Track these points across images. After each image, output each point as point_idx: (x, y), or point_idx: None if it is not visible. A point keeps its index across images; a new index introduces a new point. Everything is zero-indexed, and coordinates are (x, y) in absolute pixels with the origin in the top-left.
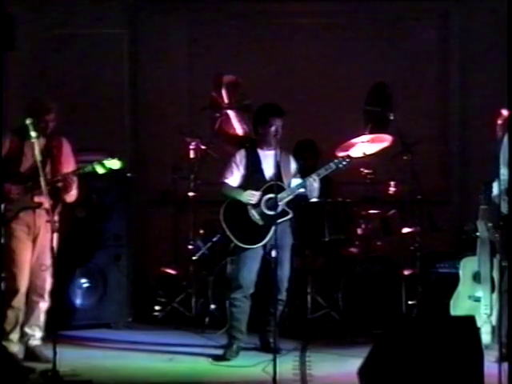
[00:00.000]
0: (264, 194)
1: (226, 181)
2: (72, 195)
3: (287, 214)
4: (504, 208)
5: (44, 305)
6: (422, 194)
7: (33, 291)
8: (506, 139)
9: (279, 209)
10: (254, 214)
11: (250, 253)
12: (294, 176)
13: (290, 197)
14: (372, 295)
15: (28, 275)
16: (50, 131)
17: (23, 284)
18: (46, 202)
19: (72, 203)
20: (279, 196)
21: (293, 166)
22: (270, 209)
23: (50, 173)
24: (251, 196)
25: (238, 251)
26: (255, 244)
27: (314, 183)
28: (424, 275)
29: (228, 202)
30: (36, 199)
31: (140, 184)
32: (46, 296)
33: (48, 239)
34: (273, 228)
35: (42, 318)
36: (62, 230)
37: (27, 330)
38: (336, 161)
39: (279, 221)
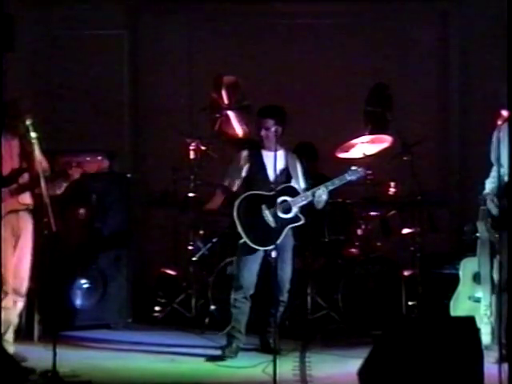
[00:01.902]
0: (278, 195)
1: (224, 183)
2: (62, 187)
3: (299, 219)
4: (494, 210)
5: (20, 305)
6: (422, 194)
7: (11, 290)
8: (494, 138)
9: (293, 213)
10: (268, 214)
11: (250, 254)
12: (303, 177)
13: (305, 202)
14: (372, 296)
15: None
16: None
17: (9, 285)
18: (31, 203)
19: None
20: (293, 200)
21: (299, 169)
22: (284, 212)
23: (28, 174)
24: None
25: (239, 252)
26: (266, 245)
27: (323, 195)
28: (424, 276)
29: (242, 199)
30: (20, 200)
31: (140, 184)
32: (23, 297)
33: (29, 241)
34: (285, 231)
35: (17, 318)
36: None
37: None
38: (350, 173)
39: (290, 226)
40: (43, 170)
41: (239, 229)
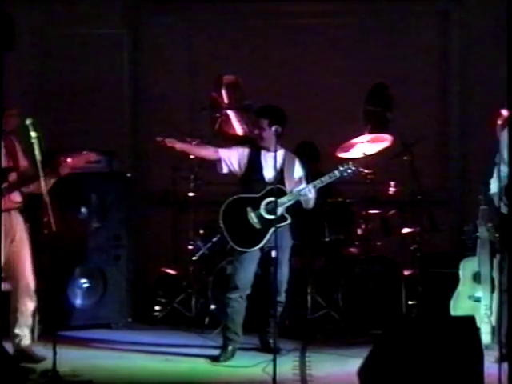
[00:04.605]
0: (265, 197)
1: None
2: (50, 184)
3: (285, 219)
4: (503, 208)
5: (32, 305)
6: (422, 194)
7: (20, 292)
8: (504, 136)
9: (278, 213)
10: (253, 216)
11: (246, 254)
12: (300, 180)
13: (291, 202)
14: (372, 295)
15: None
16: (12, 128)
17: (18, 287)
18: (21, 202)
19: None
20: (280, 200)
21: (298, 169)
22: (269, 213)
23: (15, 172)
24: None
25: (236, 252)
26: (251, 247)
27: (309, 194)
28: (424, 275)
29: (228, 204)
30: (13, 199)
31: (140, 184)
32: (34, 296)
33: (26, 240)
34: (270, 232)
35: (30, 318)
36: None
37: (17, 331)
38: (341, 168)
39: (276, 226)
40: (25, 168)
41: (225, 233)
